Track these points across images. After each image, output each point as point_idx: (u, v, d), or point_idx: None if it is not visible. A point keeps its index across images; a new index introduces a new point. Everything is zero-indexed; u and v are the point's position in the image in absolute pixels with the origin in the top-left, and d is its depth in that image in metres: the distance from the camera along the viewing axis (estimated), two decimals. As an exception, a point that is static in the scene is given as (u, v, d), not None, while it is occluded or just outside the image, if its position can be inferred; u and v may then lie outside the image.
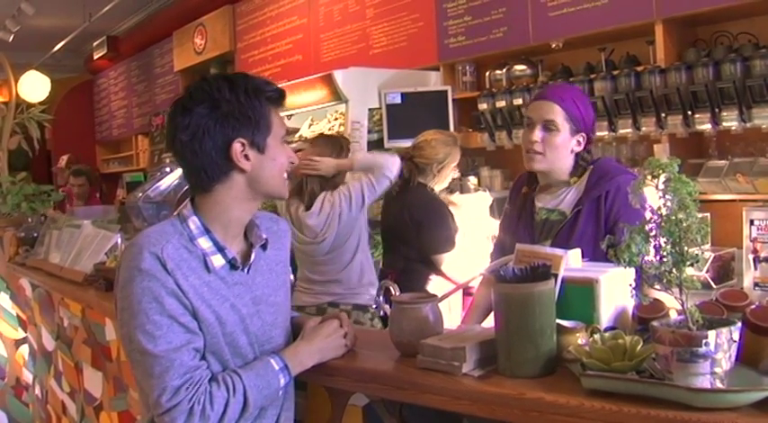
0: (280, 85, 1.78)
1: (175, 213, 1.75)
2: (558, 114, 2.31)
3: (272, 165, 1.71)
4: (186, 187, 4.24)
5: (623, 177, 2.26)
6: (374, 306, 3.60)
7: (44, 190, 5.41)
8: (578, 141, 2.35)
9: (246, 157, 1.67)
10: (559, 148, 2.33)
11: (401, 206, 3.83)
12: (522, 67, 4.73)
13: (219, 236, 1.70)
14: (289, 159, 1.75)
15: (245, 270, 1.74)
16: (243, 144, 1.66)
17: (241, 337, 1.69)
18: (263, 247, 1.79)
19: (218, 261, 1.69)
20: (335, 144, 3.74)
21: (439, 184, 3.91)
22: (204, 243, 1.68)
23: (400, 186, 3.84)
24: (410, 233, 3.79)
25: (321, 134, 4.68)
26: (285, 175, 1.76)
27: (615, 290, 1.66)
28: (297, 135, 5.57)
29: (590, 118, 2.38)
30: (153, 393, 1.57)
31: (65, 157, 9.13)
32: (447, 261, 3.78)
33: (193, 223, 1.69)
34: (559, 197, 2.39)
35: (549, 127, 2.31)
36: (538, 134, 2.32)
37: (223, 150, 1.65)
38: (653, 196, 1.38)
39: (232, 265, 1.71)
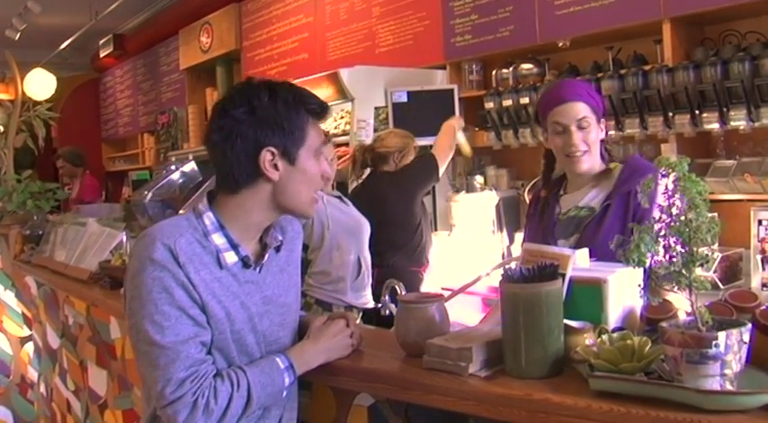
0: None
1: (191, 208, 1.75)
2: (585, 110, 2.35)
3: (300, 177, 1.70)
4: (192, 186, 4.26)
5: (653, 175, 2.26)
6: (345, 306, 3.63)
7: (49, 188, 5.42)
8: (601, 128, 2.41)
9: (276, 166, 1.67)
10: (596, 142, 2.38)
11: (374, 192, 3.94)
12: (529, 65, 4.71)
13: (235, 234, 1.70)
14: (323, 174, 1.75)
15: (257, 269, 1.73)
16: (273, 153, 1.66)
17: (249, 336, 1.68)
18: (277, 248, 1.79)
19: (230, 258, 1.68)
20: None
21: None
22: (218, 239, 1.68)
23: (368, 176, 4.07)
24: (396, 200, 3.92)
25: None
26: (316, 192, 1.75)
27: (624, 290, 1.65)
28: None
29: (602, 104, 2.44)
30: (157, 385, 1.56)
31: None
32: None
33: (208, 219, 1.69)
34: (589, 195, 2.40)
35: (582, 125, 2.34)
36: (578, 136, 2.34)
37: (253, 157, 1.65)
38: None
39: (244, 263, 1.71)
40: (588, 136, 2.34)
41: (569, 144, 2.35)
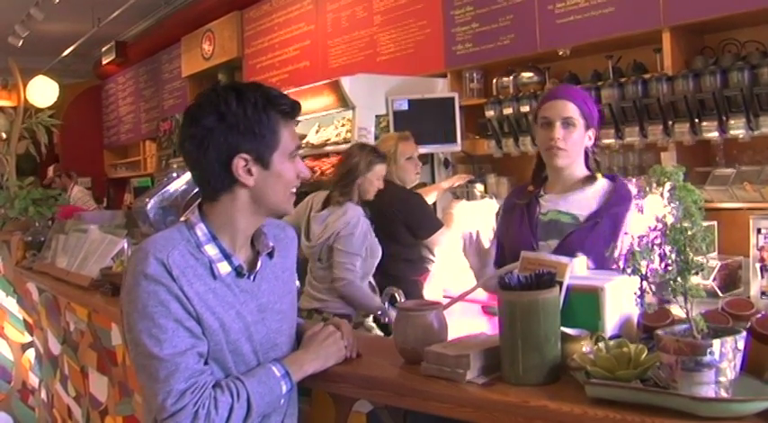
0: (289, 93, 1.77)
1: (182, 220, 1.75)
2: (574, 111, 2.39)
3: (276, 181, 1.69)
4: (193, 193, 4.27)
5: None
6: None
7: (51, 194, 5.43)
8: (589, 137, 2.43)
9: (250, 172, 1.66)
10: (578, 144, 2.41)
11: (379, 205, 3.90)
12: (530, 74, 4.73)
13: (227, 244, 1.70)
14: (299, 174, 1.73)
15: (251, 278, 1.74)
16: (246, 159, 1.65)
17: (245, 345, 1.69)
18: (270, 254, 1.79)
19: (224, 268, 1.69)
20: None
21: (403, 176, 4.08)
22: (211, 250, 1.68)
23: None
24: (397, 227, 3.90)
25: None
26: (293, 189, 1.75)
27: (620, 298, 1.66)
28: (303, 141, 5.58)
29: (596, 114, 2.47)
30: (158, 397, 1.57)
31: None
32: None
33: (200, 230, 1.69)
34: (569, 200, 2.42)
35: (567, 123, 2.38)
36: (560, 131, 2.37)
37: (226, 164, 1.65)
38: (658, 204, 1.38)
39: (238, 272, 1.71)
40: (571, 135, 2.38)
41: (550, 137, 2.39)
